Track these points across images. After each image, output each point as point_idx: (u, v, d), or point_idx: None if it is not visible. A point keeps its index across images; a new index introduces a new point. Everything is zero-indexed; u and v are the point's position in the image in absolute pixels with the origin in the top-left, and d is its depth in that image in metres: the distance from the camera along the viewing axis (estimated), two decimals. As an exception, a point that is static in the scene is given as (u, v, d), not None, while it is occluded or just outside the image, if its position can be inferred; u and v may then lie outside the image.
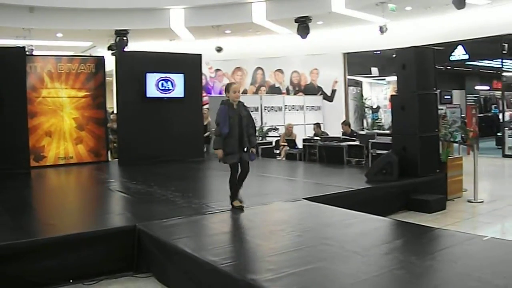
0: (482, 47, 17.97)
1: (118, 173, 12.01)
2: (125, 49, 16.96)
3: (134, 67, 13.09)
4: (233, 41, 19.84)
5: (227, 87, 6.97)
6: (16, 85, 11.71)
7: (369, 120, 20.77)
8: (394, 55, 10.52)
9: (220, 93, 21.22)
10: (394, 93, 11.67)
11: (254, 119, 7.20)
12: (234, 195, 6.98)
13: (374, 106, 21.34)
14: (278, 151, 14.77)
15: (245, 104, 7.11)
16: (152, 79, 13.19)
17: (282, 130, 15.63)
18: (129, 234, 5.90)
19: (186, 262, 5.02)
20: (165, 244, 5.44)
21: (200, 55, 14.50)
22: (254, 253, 4.93)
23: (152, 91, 13.18)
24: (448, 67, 22.39)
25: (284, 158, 14.05)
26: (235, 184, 6.93)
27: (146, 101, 13.14)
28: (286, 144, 14.20)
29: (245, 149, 6.76)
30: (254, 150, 6.97)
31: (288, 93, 20.98)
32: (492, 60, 19.51)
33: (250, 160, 6.88)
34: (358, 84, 21.59)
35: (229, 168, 6.89)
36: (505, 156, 17.16)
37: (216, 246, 5.27)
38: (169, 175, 10.95)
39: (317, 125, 15.00)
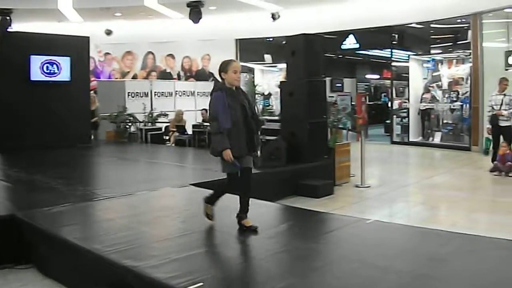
0: (372, 37, 18.59)
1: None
2: (8, 30, 16.17)
3: (17, 48, 12.44)
4: (124, 24, 19.43)
5: (224, 66, 5.11)
6: None
7: (260, 107, 21.02)
8: (284, 42, 10.67)
9: (109, 78, 20.74)
10: (283, 80, 11.86)
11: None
12: (212, 200, 5.45)
13: (266, 93, 21.60)
14: (167, 137, 14.65)
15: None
16: (36, 61, 12.62)
17: (172, 116, 15.50)
18: (8, 224, 5.62)
19: (69, 251, 4.88)
20: (46, 234, 5.25)
21: (88, 37, 14.04)
22: (139, 240, 4.87)
23: (36, 74, 12.62)
24: (340, 56, 23.06)
25: (173, 144, 13.97)
26: (220, 194, 5.44)
27: (30, 85, 12.57)
28: (175, 130, 14.12)
29: (255, 152, 5.20)
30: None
31: (179, 78, 20.84)
32: (382, 50, 20.24)
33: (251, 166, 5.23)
34: (251, 71, 21.77)
35: (227, 178, 5.30)
36: (393, 142, 17.94)
37: (101, 233, 5.18)
38: (54, 162, 10.55)
39: (205, 110, 14.99)
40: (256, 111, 5.40)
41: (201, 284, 3.70)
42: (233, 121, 4.90)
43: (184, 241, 4.87)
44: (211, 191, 5.50)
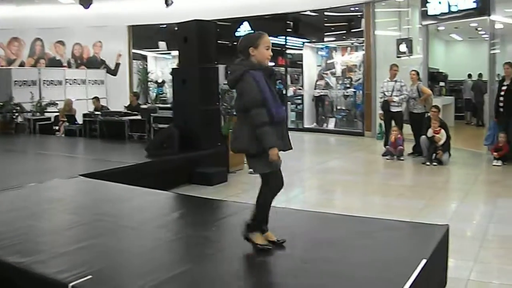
0: (267, 24, 18.72)
1: None
2: None
3: None
4: (9, 9, 18.53)
5: (253, 40, 4.07)
6: None
7: (153, 95, 20.80)
8: (176, 28, 10.59)
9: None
10: (175, 67, 11.79)
11: None
12: (262, 222, 4.27)
13: (159, 81, 21.40)
14: (57, 127, 14.20)
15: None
16: None
17: (62, 105, 15.03)
18: None
19: None
20: None
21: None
22: (25, 235, 4.71)
23: None
24: (234, 43, 23.11)
25: (63, 135, 13.56)
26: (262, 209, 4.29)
27: None
28: (65, 119, 13.70)
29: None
30: None
31: (69, 66, 20.18)
32: (276, 37, 20.51)
33: None
34: (144, 58, 21.46)
35: (262, 180, 4.34)
36: (288, 129, 18.19)
37: (-17, 230, 4.97)
38: None
39: (96, 98, 14.69)
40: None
41: (90, 277, 3.63)
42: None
43: (72, 233, 4.76)
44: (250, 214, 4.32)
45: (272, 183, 4.29)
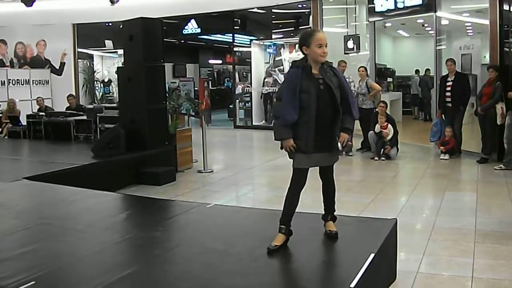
0: (214, 21, 18.73)
1: None
2: None
3: None
4: None
5: (305, 39, 4.14)
6: None
7: (99, 94, 20.47)
8: (121, 26, 10.43)
9: None
10: (120, 65, 11.63)
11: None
12: (286, 220, 4.30)
13: (106, 80, 21.08)
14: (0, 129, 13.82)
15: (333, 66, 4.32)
16: None
17: (4, 107, 14.63)
18: None
19: None
20: None
21: None
22: (-36, 241, 4.56)
23: None
24: (182, 41, 23.00)
25: (6, 137, 13.20)
26: (294, 205, 4.45)
27: None
28: (8, 121, 13.34)
29: (338, 146, 4.23)
30: (345, 136, 4.17)
31: (12, 66, 19.66)
32: (224, 35, 20.48)
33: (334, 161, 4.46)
34: (90, 57, 21.09)
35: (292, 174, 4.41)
36: (236, 127, 18.29)
37: None
38: None
39: (40, 99, 14.36)
40: (349, 89, 4.23)
41: (33, 283, 3.54)
42: (302, 108, 3.89)
43: (15, 238, 4.62)
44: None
45: (296, 182, 4.44)
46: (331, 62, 4.27)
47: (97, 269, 3.94)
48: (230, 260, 3.95)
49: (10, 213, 5.50)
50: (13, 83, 17.73)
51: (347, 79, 11.34)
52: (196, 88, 21.64)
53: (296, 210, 4.31)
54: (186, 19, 18.50)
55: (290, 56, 17.54)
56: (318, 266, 3.77)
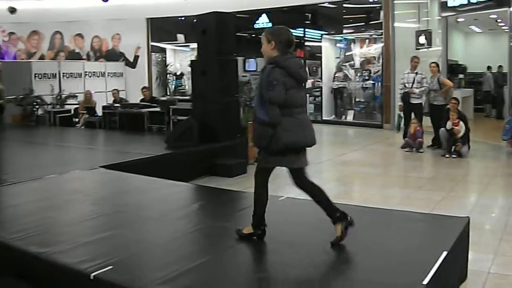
0: (285, 16, 18.65)
1: None
2: None
3: None
4: (28, 2, 18.63)
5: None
6: None
7: (172, 87, 20.83)
8: (195, 20, 10.57)
9: (14, 58, 19.93)
10: (194, 59, 11.78)
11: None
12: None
13: (178, 73, 21.41)
14: (77, 120, 14.27)
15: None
16: None
17: (81, 98, 15.11)
18: None
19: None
20: None
21: (-12, 16, 13.44)
22: (46, 226, 4.73)
23: None
24: (253, 35, 23.08)
25: (83, 127, 13.63)
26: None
27: None
28: (85, 112, 13.76)
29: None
30: None
31: (88, 59, 20.27)
32: (295, 29, 20.40)
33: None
34: (163, 50, 21.48)
35: None
36: (306, 121, 18.20)
37: (6, 220, 5.00)
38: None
39: (116, 90, 14.72)
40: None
41: (111, 267, 3.65)
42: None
43: (93, 224, 4.78)
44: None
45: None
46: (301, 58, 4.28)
47: (171, 257, 4.01)
48: (301, 252, 3.95)
49: (89, 199, 5.68)
50: (90, 75, 18.26)
51: (420, 75, 11.20)
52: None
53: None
54: (257, 13, 18.51)
55: (361, 51, 17.33)
56: (390, 262, 3.72)
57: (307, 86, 18.57)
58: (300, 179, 4.26)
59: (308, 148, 4.15)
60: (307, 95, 18.53)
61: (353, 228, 4.03)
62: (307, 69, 18.70)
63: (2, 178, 6.85)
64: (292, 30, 4.07)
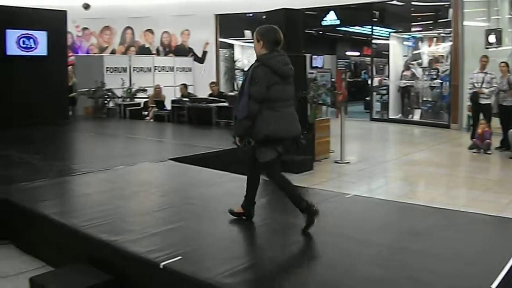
0: (353, 13, 18.53)
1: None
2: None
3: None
4: (101, -2, 19.15)
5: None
6: None
7: (240, 83, 20.93)
8: (264, 17, 10.60)
9: (87, 53, 20.49)
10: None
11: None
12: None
13: (245, 69, 21.51)
14: (146, 113, 14.54)
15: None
16: (12, 36, 12.38)
17: (151, 92, 15.38)
18: (-18, 199, 5.56)
19: (46, 226, 4.85)
20: (23, 209, 5.20)
21: (65, 11, 13.79)
22: (116, 215, 4.84)
23: (12, 48, 12.38)
24: (320, 32, 22.97)
25: (152, 120, 13.88)
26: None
27: (5, 60, 12.34)
28: (154, 105, 14.00)
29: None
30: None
31: (158, 54, 20.60)
32: (362, 27, 20.18)
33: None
34: (230, 46, 21.64)
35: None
36: (372, 119, 18.01)
37: (78, 208, 5.15)
38: (30, 138, 10.35)
39: (184, 85, 14.91)
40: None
41: (180, 257, 3.69)
42: None
43: (162, 215, 4.86)
44: None
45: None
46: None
47: (238, 250, 4.04)
48: (369, 251, 3.90)
49: (158, 191, 5.78)
50: (159, 69, 18.55)
51: (489, 75, 10.85)
52: (333, 80, 21.54)
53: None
54: (325, 10, 18.38)
55: (429, 49, 16.97)
56: (457, 264, 3.62)
57: (374, 84, 18.39)
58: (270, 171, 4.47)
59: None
60: (374, 93, 18.33)
61: (317, 216, 4.19)
62: (374, 67, 18.49)
63: (74, 167, 7.06)
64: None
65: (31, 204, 5.21)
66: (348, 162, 9.78)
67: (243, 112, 4.13)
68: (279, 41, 4.30)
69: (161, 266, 3.57)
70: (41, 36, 12.79)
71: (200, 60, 20.26)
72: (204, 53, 20.29)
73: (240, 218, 4.64)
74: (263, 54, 4.23)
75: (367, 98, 19.56)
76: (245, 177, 5.71)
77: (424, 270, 3.51)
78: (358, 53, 28.61)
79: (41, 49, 12.78)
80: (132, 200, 5.56)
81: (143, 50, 20.68)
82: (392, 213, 5.15)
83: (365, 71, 27.10)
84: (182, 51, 20.50)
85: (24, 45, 12.57)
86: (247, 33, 21.05)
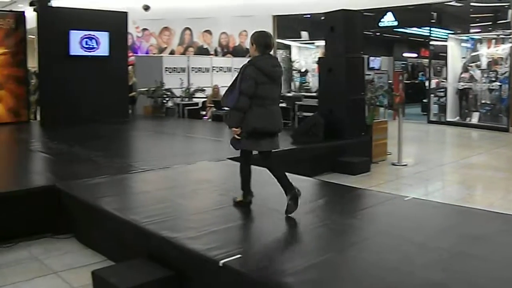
0: (411, 14, 18.27)
1: (39, 134, 11.64)
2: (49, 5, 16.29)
3: (57, 24, 12.57)
4: (161, 0, 19.42)
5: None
6: None
7: (297, 83, 20.91)
8: (322, 18, 10.56)
9: (147, 53, 20.85)
10: (321, 56, 11.75)
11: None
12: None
13: (302, 70, 21.48)
14: (204, 112, 14.67)
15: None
16: (76, 36, 12.74)
17: (209, 92, 15.52)
18: (48, 194, 5.73)
19: (108, 222, 4.96)
20: (86, 204, 5.33)
21: (126, 13, 14.09)
22: (176, 212, 4.90)
23: (75, 49, 12.73)
24: (377, 34, 22.71)
25: (210, 119, 13.99)
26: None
27: (69, 60, 12.71)
28: (212, 105, 14.12)
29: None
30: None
31: (216, 54, 20.78)
32: (420, 28, 19.84)
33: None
34: (287, 47, 21.63)
35: None
36: (430, 122, 17.67)
37: (138, 205, 5.24)
38: (92, 135, 10.64)
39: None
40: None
41: (240, 256, 3.70)
42: None
43: (222, 213, 4.89)
44: None
45: None
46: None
47: (297, 250, 4.03)
48: (429, 255, 3.83)
49: (217, 189, 5.81)
50: (217, 70, 18.67)
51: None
52: (390, 81, 21.26)
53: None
54: (382, 11, 18.16)
55: (487, 51, 16.52)
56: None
57: (431, 86, 18.03)
58: (266, 159, 5.02)
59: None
60: (432, 95, 17.97)
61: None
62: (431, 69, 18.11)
63: (134, 165, 7.17)
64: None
65: (93, 199, 5.33)
66: (405, 165, 9.65)
67: (232, 103, 4.72)
68: (269, 45, 4.83)
69: (220, 264, 3.59)
70: (103, 37, 13.09)
71: (258, 60, 20.27)
72: (262, 53, 20.30)
73: (292, 219, 4.68)
74: (255, 56, 4.77)
75: (425, 100, 19.24)
76: (304, 177, 5.72)
77: (484, 276, 3.43)
78: (415, 55, 28.18)
79: (103, 50, 13.09)
80: (191, 198, 5.62)
81: (201, 51, 20.90)
82: (451, 217, 5.06)
83: (422, 73, 26.70)
84: (239, 51, 20.61)
85: (87, 46, 12.89)
86: (304, 34, 21.00)
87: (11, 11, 14.39)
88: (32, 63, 14.60)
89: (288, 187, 4.85)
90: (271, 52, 4.95)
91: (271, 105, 4.79)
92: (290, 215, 4.69)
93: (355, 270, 3.65)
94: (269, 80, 4.72)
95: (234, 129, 4.77)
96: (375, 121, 10.09)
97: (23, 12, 13.37)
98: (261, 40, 4.82)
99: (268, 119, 4.75)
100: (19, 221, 5.48)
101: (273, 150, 5.01)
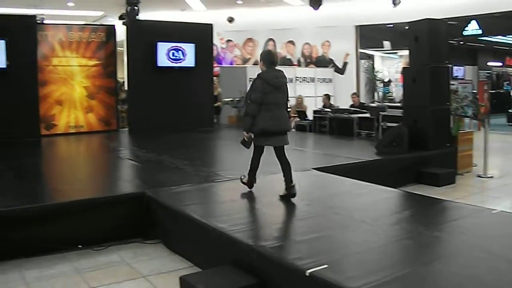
0: (496, 22, 17.68)
1: (128, 142, 12.04)
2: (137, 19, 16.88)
3: (145, 36, 13.03)
4: (245, 12, 19.69)
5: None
6: (26, 54, 11.70)
7: (380, 93, 20.63)
8: (407, 27, 10.40)
9: (231, 64, 21.15)
10: (406, 66, 11.57)
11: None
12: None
13: (386, 80, 21.18)
14: (288, 123, 14.72)
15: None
16: (163, 48, 13.14)
17: (292, 102, 15.56)
18: (138, 201, 5.93)
19: (194, 229, 5.05)
20: (173, 211, 5.47)
21: (211, 25, 14.40)
22: (261, 221, 4.95)
23: (163, 60, 13.15)
24: (461, 42, 22.11)
25: (294, 129, 14.01)
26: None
27: (156, 70, 13.11)
28: (296, 115, 14.15)
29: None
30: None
31: (299, 65, 20.81)
32: (505, 36, 19.15)
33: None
34: (370, 57, 21.41)
35: None
36: (516, 133, 17.06)
37: (224, 213, 5.29)
38: (179, 144, 10.92)
39: (327, 96, 14.91)
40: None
41: (326, 266, 3.68)
42: None
43: (307, 223, 4.89)
44: None
45: None
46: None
47: (384, 262, 3.95)
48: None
49: (303, 200, 5.80)
50: (300, 80, 18.71)
51: None
52: (474, 91, 20.59)
53: None
54: (467, 20, 17.62)
55: None
56: None
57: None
58: (280, 153, 5.99)
59: None
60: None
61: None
62: None
63: (219, 174, 7.28)
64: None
65: (181, 206, 5.46)
66: (491, 177, 9.34)
67: (243, 110, 5.80)
68: (274, 61, 5.90)
69: (307, 274, 3.58)
70: (189, 48, 13.44)
71: (341, 71, 20.19)
72: (345, 64, 20.21)
73: (380, 231, 4.64)
74: (263, 71, 5.79)
75: (510, 111, 18.51)
76: (389, 188, 5.63)
77: None
78: (500, 64, 27.26)
79: (189, 61, 13.43)
80: (277, 207, 5.64)
81: (285, 61, 20.96)
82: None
83: (507, 82, 25.77)
84: (322, 62, 20.56)
85: (174, 57, 13.27)
86: (386, 43, 20.72)
87: (102, 25, 15.02)
88: (121, 74, 15.14)
89: (288, 183, 5.80)
90: (277, 67, 5.94)
91: (276, 110, 5.72)
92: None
93: (441, 283, 3.55)
94: (274, 89, 5.69)
95: (244, 133, 5.75)
96: (460, 131, 9.82)
97: (113, 25, 13.90)
98: (267, 57, 5.92)
99: (273, 121, 5.66)
100: (110, 225, 5.72)
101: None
